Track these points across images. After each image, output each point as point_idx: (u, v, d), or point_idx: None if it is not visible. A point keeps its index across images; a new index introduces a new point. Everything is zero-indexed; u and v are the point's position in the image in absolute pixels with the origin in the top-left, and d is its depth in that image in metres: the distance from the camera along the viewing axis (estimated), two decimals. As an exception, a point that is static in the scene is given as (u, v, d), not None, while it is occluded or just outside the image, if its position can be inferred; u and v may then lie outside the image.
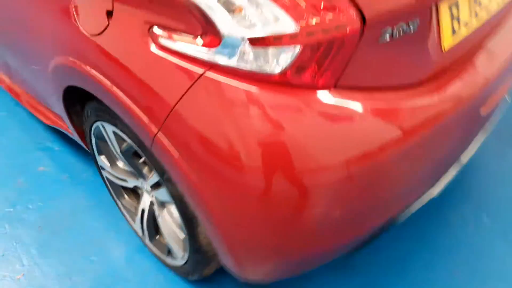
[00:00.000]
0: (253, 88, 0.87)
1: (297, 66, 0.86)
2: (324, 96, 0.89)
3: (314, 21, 0.83)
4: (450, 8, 1.07)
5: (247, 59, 0.85)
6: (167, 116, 0.93)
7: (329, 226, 1.01)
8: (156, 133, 0.97)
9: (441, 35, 1.06)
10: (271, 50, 0.84)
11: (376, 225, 1.11)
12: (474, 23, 1.15)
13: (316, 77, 0.88)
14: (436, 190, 1.24)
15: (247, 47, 0.84)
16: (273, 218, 0.95)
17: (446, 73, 1.11)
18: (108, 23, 1.02)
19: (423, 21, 0.97)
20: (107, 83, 1.04)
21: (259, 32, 0.83)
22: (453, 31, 1.09)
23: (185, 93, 0.90)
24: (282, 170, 0.88)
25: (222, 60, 0.86)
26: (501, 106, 1.41)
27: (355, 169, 0.90)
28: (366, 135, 0.91)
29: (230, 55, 0.85)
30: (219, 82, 0.87)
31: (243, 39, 0.83)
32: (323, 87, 0.89)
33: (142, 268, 1.54)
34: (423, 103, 1.03)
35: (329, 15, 0.84)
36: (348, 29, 0.85)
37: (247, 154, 0.88)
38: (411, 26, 0.95)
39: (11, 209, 1.76)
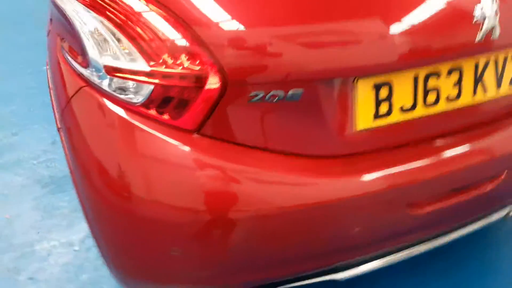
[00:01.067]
0: (121, 112, 0.93)
1: (153, 103, 0.89)
2: (182, 136, 0.91)
3: (170, 66, 0.85)
4: (376, 87, 0.95)
5: (114, 85, 0.91)
6: (61, 117, 1.06)
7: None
8: (58, 129, 1.11)
9: (355, 113, 0.96)
10: (130, 82, 0.89)
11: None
12: (422, 111, 1.01)
13: (172, 118, 0.90)
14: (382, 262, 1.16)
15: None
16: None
17: (364, 158, 1.01)
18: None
19: (308, 94, 0.90)
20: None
21: (118, 64, 0.88)
22: (377, 113, 0.97)
23: (69, 101, 1.00)
24: (123, 195, 0.94)
25: (95, 80, 0.93)
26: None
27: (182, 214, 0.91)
28: (206, 185, 0.91)
29: (101, 78, 0.92)
30: (95, 98, 0.95)
31: (104, 66, 0.89)
32: (183, 129, 0.91)
33: None
34: (317, 180, 0.97)
35: (189, 65, 0.85)
36: (204, 81, 0.85)
37: (102, 172, 0.95)
38: (288, 96, 0.88)
39: None
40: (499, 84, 1.09)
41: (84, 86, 0.95)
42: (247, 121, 0.91)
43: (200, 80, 0.86)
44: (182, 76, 0.86)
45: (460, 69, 1.02)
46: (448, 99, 1.03)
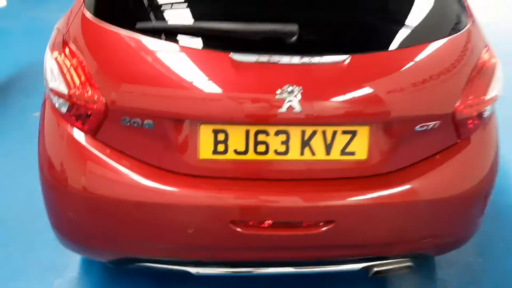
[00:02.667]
0: (57, 116, 1.49)
1: (71, 114, 1.43)
2: (83, 138, 1.44)
3: (75, 92, 1.38)
4: (215, 132, 1.38)
5: (54, 100, 1.47)
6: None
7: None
8: None
9: (199, 146, 1.39)
10: (60, 99, 1.44)
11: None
12: (253, 156, 1.40)
13: (82, 125, 1.42)
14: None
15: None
16: None
17: (205, 180, 1.42)
18: None
19: (160, 126, 1.36)
20: None
21: (54, 86, 1.44)
22: (215, 150, 1.39)
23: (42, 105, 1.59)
24: (53, 174, 1.48)
25: (50, 96, 1.51)
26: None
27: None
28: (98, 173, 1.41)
29: (50, 95, 1.50)
30: (49, 108, 1.53)
31: (50, 88, 1.46)
32: (87, 133, 1.43)
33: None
34: (166, 188, 1.41)
35: (88, 93, 1.38)
36: (95, 106, 1.36)
37: (42, 156, 1.52)
38: (145, 124, 1.36)
39: None
40: (327, 151, 1.43)
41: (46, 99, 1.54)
42: (121, 135, 1.41)
43: (93, 106, 1.38)
44: (84, 101, 1.39)
45: (287, 133, 1.40)
46: (277, 152, 1.41)
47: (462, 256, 2.22)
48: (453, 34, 1.54)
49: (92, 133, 1.42)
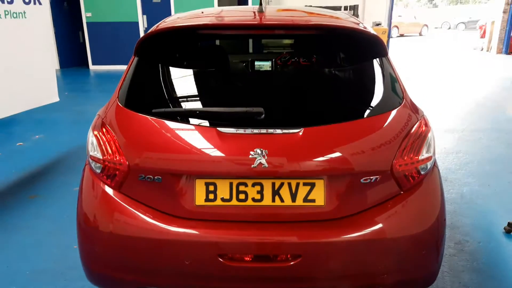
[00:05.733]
0: (93, 176, 2.02)
1: (103, 174, 1.95)
2: (111, 191, 1.94)
3: (107, 158, 1.92)
4: (206, 184, 1.86)
5: (92, 164, 2.01)
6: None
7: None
8: None
9: (195, 195, 1.86)
10: (96, 163, 1.98)
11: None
12: (236, 203, 1.86)
13: (110, 182, 1.94)
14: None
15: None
16: None
17: (200, 222, 1.88)
18: None
19: (166, 180, 1.85)
20: None
21: (93, 154, 1.98)
22: (207, 198, 1.86)
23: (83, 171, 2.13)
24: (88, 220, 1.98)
25: (89, 161, 2.05)
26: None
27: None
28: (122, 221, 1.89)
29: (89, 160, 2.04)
30: (87, 170, 2.07)
31: (90, 155, 2.01)
32: (113, 188, 1.94)
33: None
34: (172, 229, 1.87)
35: (116, 158, 1.91)
36: (121, 168, 1.89)
37: (80, 205, 2.03)
38: (155, 179, 1.86)
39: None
40: (293, 198, 1.87)
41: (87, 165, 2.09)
42: (139, 188, 1.90)
43: (119, 167, 1.91)
44: (113, 163, 1.92)
45: (261, 184, 1.86)
46: (254, 199, 1.86)
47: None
48: (391, 109, 2.02)
49: (118, 187, 1.93)
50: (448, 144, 5.24)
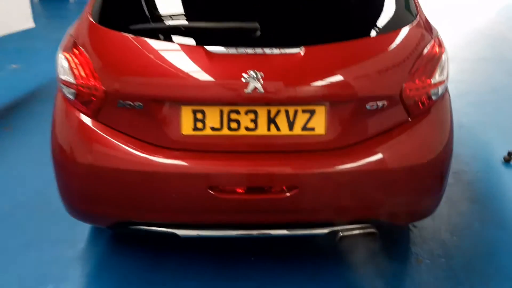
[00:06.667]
0: (66, 103, 1.80)
1: (77, 100, 1.73)
2: (87, 120, 1.75)
3: (81, 82, 1.69)
4: (194, 112, 1.66)
5: (64, 90, 1.78)
6: None
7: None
8: None
9: (181, 123, 1.67)
10: (67, 88, 1.75)
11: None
12: (227, 132, 1.67)
13: (85, 109, 1.73)
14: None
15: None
16: None
17: (188, 153, 1.70)
18: None
19: (148, 107, 1.64)
20: None
21: (64, 78, 1.75)
22: (195, 127, 1.67)
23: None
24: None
25: (61, 87, 1.82)
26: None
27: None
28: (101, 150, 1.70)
29: (61, 86, 1.81)
30: (59, 96, 1.84)
31: (61, 79, 1.78)
32: (90, 116, 1.73)
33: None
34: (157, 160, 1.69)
35: (91, 83, 1.68)
36: (96, 94, 1.68)
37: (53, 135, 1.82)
38: (136, 106, 1.65)
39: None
40: (291, 127, 1.69)
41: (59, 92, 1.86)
42: (118, 116, 1.70)
43: (95, 92, 1.69)
44: (88, 88, 1.70)
45: (255, 112, 1.67)
46: (247, 129, 1.68)
47: (437, 234, 2.41)
48: (402, 27, 1.79)
49: (95, 116, 1.73)
50: (447, 73, 5.01)
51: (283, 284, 2.06)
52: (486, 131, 3.62)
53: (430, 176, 1.85)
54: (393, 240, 2.34)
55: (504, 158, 3.14)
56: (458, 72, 5.11)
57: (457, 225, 2.49)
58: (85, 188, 1.78)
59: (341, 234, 1.85)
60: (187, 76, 1.63)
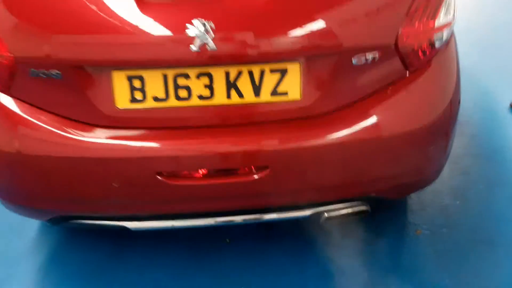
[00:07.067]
0: None
1: None
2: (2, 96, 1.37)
3: None
4: (129, 79, 1.28)
5: None
6: None
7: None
8: None
9: (114, 94, 1.30)
10: None
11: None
12: (175, 103, 1.31)
13: None
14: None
15: None
16: None
17: (128, 129, 1.35)
18: None
19: (68, 76, 1.27)
20: None
21: None
22: (133, 98, 1.30)
23: None
24: None
25: None
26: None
27: None
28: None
29: None
30: None
31: None
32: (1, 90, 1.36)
33: None
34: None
35: None
36: (4, 62, 1.30)
37: None
38: (53, 74, 1.27)
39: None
40: (257, 92, 1.33)
41: None
42: (35, 89, 1.32)
43: (2, 60, 1.30)
44: None
45: (210, 75, 1.29)
46: (202, 97, 1.31)
47: (438, 198, 2.12)
48: None
49: (6, 90, 1.35)
50: (446, 9, 4.56)
51: (264, 267, 1.78)
52: (489, 75, 3.25)
53: (432, 142, 1.52)
54: (387, 208, 2.05)
55: (511, 105, 2.81)
56: (459, 9, 4.64)
57: (460, 186, 2.19)
58: (9, 179, 1.44)
59: (326, 215, 1.54)
60: (114, 31, 1.24)
